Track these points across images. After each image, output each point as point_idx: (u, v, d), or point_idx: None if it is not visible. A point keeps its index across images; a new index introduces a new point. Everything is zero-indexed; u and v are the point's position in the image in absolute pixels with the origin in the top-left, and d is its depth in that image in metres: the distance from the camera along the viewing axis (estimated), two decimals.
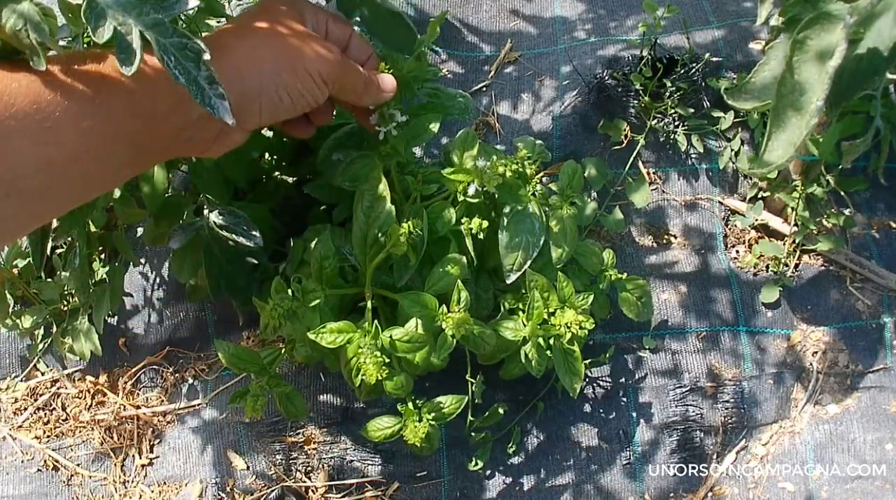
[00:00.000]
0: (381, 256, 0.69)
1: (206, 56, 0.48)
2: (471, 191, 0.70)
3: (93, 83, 0.49)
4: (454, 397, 0.75)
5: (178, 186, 0.83)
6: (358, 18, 0.70)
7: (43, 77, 0.47)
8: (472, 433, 0.83)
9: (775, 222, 0.93)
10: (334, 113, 0.70)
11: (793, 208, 0.91)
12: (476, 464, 0.85)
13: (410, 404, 0.73)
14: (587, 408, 0.89)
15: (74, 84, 0.48)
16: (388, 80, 0.67)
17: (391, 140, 0.71)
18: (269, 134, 0.83)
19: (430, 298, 0.69)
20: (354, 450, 0.88)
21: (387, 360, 0.66)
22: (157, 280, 0.96)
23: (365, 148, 0.75)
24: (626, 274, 0.83)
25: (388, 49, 0.72)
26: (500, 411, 0.82)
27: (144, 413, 0.93)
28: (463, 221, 0.71)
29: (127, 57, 0.47)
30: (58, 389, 0.96)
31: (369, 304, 0.71)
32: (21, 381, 0.96)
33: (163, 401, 0.94)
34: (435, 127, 0.74)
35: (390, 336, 0.68)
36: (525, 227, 0.73)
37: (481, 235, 0.70)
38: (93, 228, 0.86)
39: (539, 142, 0.90)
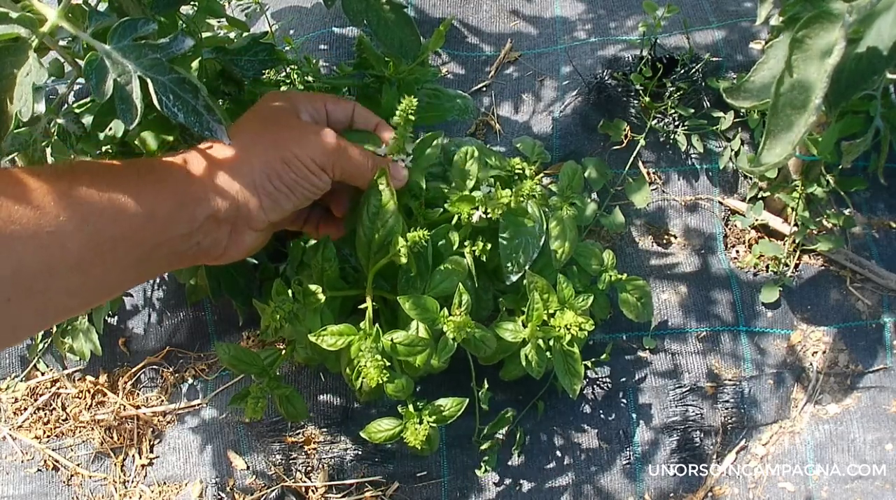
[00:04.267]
0: (382, 261, 0.69)
1: (203, 89, 0.49)
2: (475, 218, 0.70)
3: (97, 188, 0.50)
4: (454, 399, 0.75)
5: None
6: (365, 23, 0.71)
7: (46, 182, 0.48)
8: (481, 440, 0.83)
9: (775, 222, 0.93)
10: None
11: (793, 208, 0.91)
12: (485, 470, 0.85)
13: (411, 407, 0.73)
14: (587, 408, 0.89)
15: (78, 189, 0.49)
16: (399, 171, 0.67)
17: (411, 173, 0.70)
18: None
19: (431, 301, 0.69)
20: (354, 450, 0.88)
21: (387, 363, 0.66)
22: (157, 280, 0.96)
23: None
24: (626, 275, 0.83)
25: (391, 54, 0.72)
26: (508, 416, 0.82)
27: (144, 413, 0.93)
28: (466, 243, 0.71)
29: (128, 109, 0.49)
30: (58, 389, 0.96)
31: (370, 307, 0.71)
32: (21, 381, 0.96)
33: (163, 401, 0.94)
34: (437, 148, 0.73)
35: (391, 339, 0.68)
36: (525, 228, 0.72)
37: (484, 258, 0.70)
38: None
39: (539, 142, 0.90)
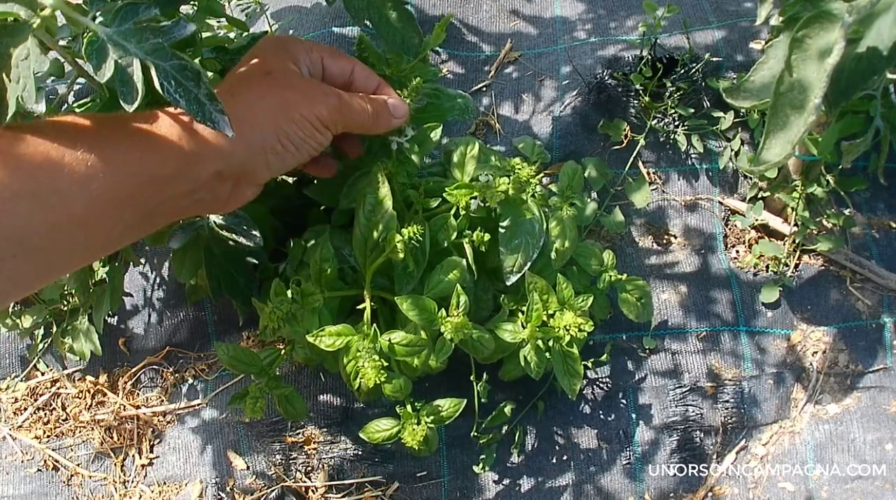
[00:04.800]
0: (380, 260, 0.69)
1: (205, 76, 0.49)
2: (473, 206, 0.70)
3: (101, 147, 0.49)
4: (453, 400, 0.75)
5: None
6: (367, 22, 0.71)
7: (50, 140, 0.47)
8: (479, 434, 0.83)
9: (775, 222, 0.93)
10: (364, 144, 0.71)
11: (793, 208, 0.90)
12: (483, 468, 0.85)
13: (409, 407, 0.73)
14: (587, 408, 0.89)
15: (82, 148, 0.48)
16: (399, 106, 0.67)
17: (406, 153, 0.71)
18: None
19: (429, 301, 0.69)
20: (354, 450, 0.88)
21: (385, 363, 0.66)
22: (157, 280, 0.96)
23: (363, 164, 0.75)
24: (625, 275, 0.82)
25: (392, 51, 0.72)
26: (507, 411, 0.82)
27: (144, 413, 0.93)
28: (465, 233, 0.71)
29: (129, 91, 0.49)
30: (58, 389, 0.96)
31: (368, 307, 0.71)
32: (21, 381, 0.96)
33: (163, 401, 0.94)
34: (437, 135, 0.74)
35: (389, 340, 0.68)
36: (525, 228, 0.72)
37: (483, 248, 0.71)
38: None
39: (539, 142, 0.90)
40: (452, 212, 0.72)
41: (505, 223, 0.72)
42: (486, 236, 0.70)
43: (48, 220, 0.47)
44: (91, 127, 0.51)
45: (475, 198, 0.70)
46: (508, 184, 0.69)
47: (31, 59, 0.50)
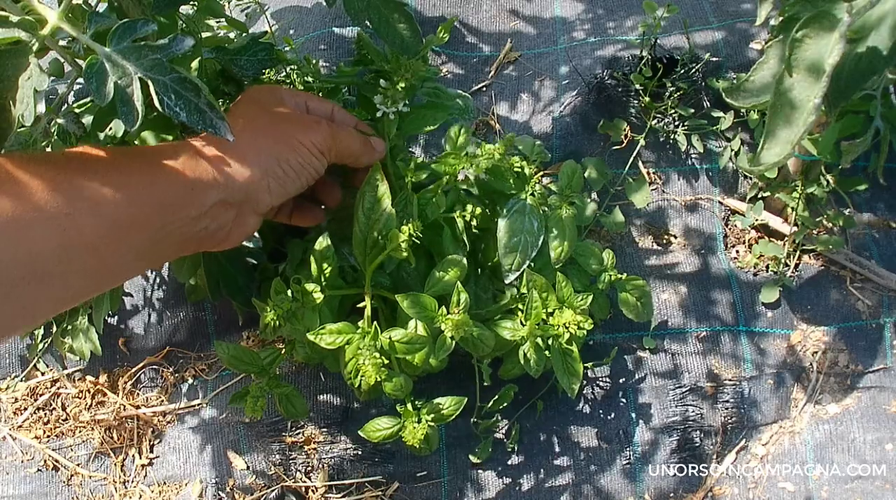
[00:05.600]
0: (380, 258, 0.69)
1: (204, 87, 0.50)
2: (461, 176, 0.71)
3: (111, 174, 0.52)
4: (453, 398, 0.75)
5: None
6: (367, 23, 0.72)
7: (61, 167, 0.50)
8: (480, 420, 0.83)
9: (775, 222, 0.93)
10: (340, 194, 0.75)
11: (793, 208, 0.90)
12: (478, 458, 0.85)
13: (409, 406, 0.73)
14: (587, 408, 0.89)
15: (93, 175, 0.51)
16: (379, 143, 0.73)
17: (386, 123, 0.73)
18: None
19: (429, 299, 0.69)
20: (354, 450, 0.88)
21: (386, 361, 0.66)
22: (157, 280, 0.96)
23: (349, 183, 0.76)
24: (625, 274, 0.82)
25: (393, 51, 0.73)
26: (511, 393, 0.83)
27: (144, 413, 0.93)
28: (457, 208, 0.72)
29: (129, 111, 0.50)
30: (58, 389, 0.96)
31: (369, 305, 0.71)
32: (21, 381, 0.96)
33: (163, 401, 0.94)
34: (435, 122, 0.74)
35: (389, 337, 0.68)
36: (524, 227, 0.73)
37: (474, 222, 0.71)
38: None
39: (539, 142, 0.90)
40: (444, 182, 0.73)
41: (503, 223, 0.72)
42: (479, 210, 0.72)
43: (60, 243, 0.48)
44: (101, 157, 0.53)
45: (463, 168, 0.72)
46: (495, 149, 0.70)
47: (32, 80, 0.51)
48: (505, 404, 0.84)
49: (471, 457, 0.86)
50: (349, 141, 0.68)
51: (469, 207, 0.71)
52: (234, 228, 0.61)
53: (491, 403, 0.82)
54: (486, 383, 0.79)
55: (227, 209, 0.59)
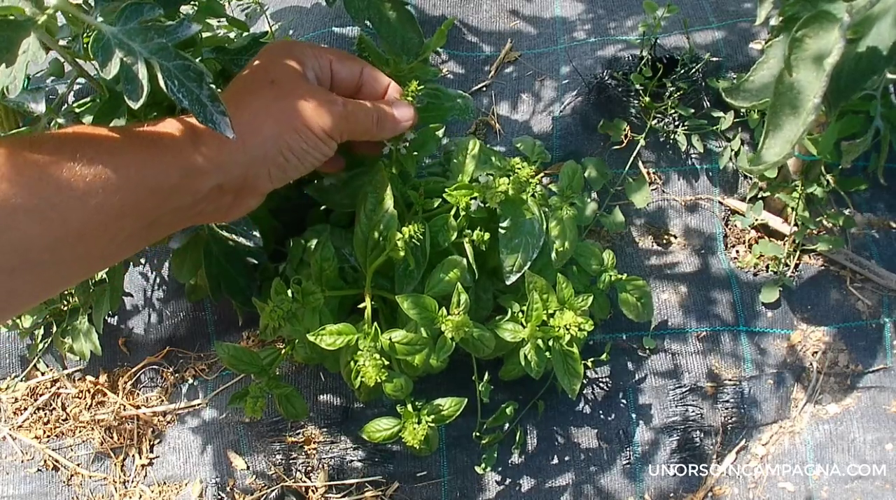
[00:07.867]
0: (380, 259, 0.69)
1: (208, 77, 0.49)
2: (473, 207, 0.70)
3: (101, 160, 0.49)
4: (453, 399, 0.75)
5: None
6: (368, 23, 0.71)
7: (50, 154, 0.47)
8: (481, 435, 0.83)
9: (775, 222, 0.93)
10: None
11: (793, 208, 0.90)
12: (484, 468, 0.85)
13: (409, 406, 0.73)
14: (587, 408, 0.89)
15: (82, 162, 0.48)
16: (405, 110, 0.66)
17: (401, 159, 0.71)
18: None
19: (429, 300, 0.69)
20: (354, 450, 0.88)
21: (386, 362, 0.66)
22: (157, 280, 0.96)
23: (357, 167, 0.75)
24: (625, 275, 0.82)
25: (393, 52, 0.72)
26: (508, 411, 0.82)
27: (144, 413, 0.93)
28: (465, 233, 0.71)
29: (133, 89, 0.49)
30: (58, 389, 0.96)
31: (369, 306, 0.71)
32: (21, 381, 0.96)
33: (163, 401, 0.94)
34: (440, 134, 0.74)
35: (390, 338, 0.68)
36: (525, 228, 0.72)
37: (483, 247, 0.71)
38: None
39: (539, 142, 0.90)
40: (452, 212, 0.72)
41: (505, 223, 0.72)
42: (486, 236, 0.70)
43: (47, 235, 0.47)
44: (92, 139, 0.50)
45: (475, 198, 0.70)
46: (508, 184, 0.69)
47: (28, 54, 0.50)
48: (504, 421, 0.84)
49: (476, 469, 0.85)
50: (365, 120, 0.62)
51: (477, 233, 0.70)
52: (232, 207, 0.59)
53: (489, 421, 0.82)
54: (485, 400, 0.79)
55: (223, 194, 0.56)
